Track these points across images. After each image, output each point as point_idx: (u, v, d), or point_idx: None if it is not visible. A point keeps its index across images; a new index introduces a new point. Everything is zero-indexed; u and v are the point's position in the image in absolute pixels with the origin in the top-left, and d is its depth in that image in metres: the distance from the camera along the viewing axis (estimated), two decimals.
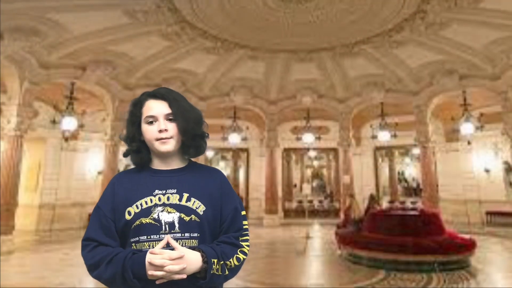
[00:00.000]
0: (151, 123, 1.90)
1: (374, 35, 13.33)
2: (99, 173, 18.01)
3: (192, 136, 1.93)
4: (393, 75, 16.55)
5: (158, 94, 1.95)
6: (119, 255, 1.69)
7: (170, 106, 1.91)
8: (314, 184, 32.10)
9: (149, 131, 1.89)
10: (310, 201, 24.98)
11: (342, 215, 16.52)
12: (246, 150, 23.67)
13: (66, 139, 15.49)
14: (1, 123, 12.97)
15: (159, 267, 1.59)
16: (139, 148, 1.95)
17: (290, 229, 17.74)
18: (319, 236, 15.50)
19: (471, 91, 16.17)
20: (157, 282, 1.63)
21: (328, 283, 8.54)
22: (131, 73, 15.47)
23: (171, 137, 1.88)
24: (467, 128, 16.65)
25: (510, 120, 14.68)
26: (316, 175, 33.27)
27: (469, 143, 17.15)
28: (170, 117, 1.90)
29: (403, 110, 18.69)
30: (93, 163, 19.08)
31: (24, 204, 16.20)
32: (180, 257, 1.62)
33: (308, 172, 33.15)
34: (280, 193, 22.02)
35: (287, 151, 25.01)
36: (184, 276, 1.62)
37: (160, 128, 1.87)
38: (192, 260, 1.66)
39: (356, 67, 16.05)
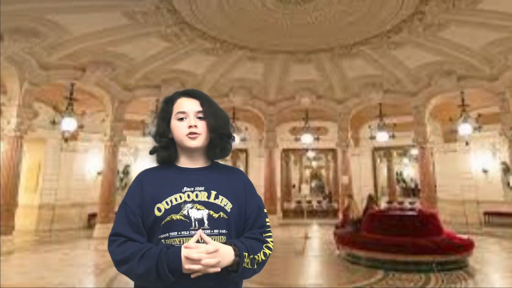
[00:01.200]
0: (181, 119, 1.96)
1: (373, 36, 13.37)
2: (99, 173, 18.03)
3: (220, 136, 1.98)
4: (392, 76, 16.59)
5: (191, 92, 2.03)
6: (152, 250, 1.71)
7: (202, 104, 1.98)
8: (313, 184, 32.21)
9: (179, 127, 1.95)
10: (309, 202, 25.04)
11: (340, 216, 16.52)
12: (245, 150, 23.68)
13: (66, 140, 15.52)
14: (1, 124, 12.99)
15: (196, 261, 1.63)
16: (168, 145, 2.00)
17: (289, 229, 17.80)
18: (317, 236, 15.57)
19: (469, 92, 16.22)
20: (192, 276, 1.66)
21: (327, 283, 8.58)
22: (131, 74, 15.50)
23: (200, 134, 1.94)
24: (465, 128, 16.71)
25: (508, 120, 14.72)
26: (315, 175, 33.37)
27: (467, 143, 17.21)
28: (200, 115, 1.96)
29: (401, 111, 18.75)
30: (92, 163, 19.11)
31: (24, 205, 16.31)
32: (216, 251, 1.66)
33: (307, 172, 33.27)
34: (279, 193, 22.09)
35: (286, 152, 25.06)
36: (219, 269, 1.66)
37: (191, 123, 1.93)
38: (226, 254, 1.70)
39: (355, 68, 16.08)
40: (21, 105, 12.87)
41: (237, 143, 19.85)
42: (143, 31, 12.43)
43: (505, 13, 11.02)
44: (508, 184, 16.65)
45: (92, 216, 17.56)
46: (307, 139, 20.56)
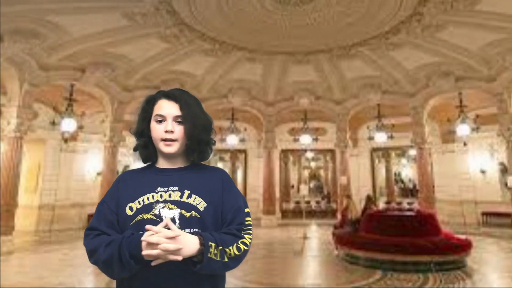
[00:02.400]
0: (159, 122, 1.94)
1: (371, 37, 13.42)
2: (98, 174, 18.07)
3: (198, 142, 1.96)
4: (390, 77, 16.65)
5: (171, 95, 2.00)
6: (117, 238, 1.72)
7: (181, 108, 1.95)
8: (312, 185, 32.26)
9: (156, 130, 1.93)
10: (308, 202, 25.02)
11: (339, 216, 16.53)
12: (244, 151, 23.75)
13: (66, 141, 15.54)
14: (1, 125, 13.02)
15: (155, 246, 1.60)
16: (147, 144, 2.00)
17: (287, 229, 17.80)
18: (316, 237, 15.58)
19: (467, 92, 16.28)
20: (152, 264, 1.64)
21: (325, 283, 8.59)
22: (130, 75, 15.55)
23: (176, 140, 1.92)
24: (463, 129, 16.75)
25: (505, 121, 14.79)
26: (314, 176, 33.45)
27: (465, 144, 17.29)
28: (179, 120, 1.94)
29: (400, 111, 18.80)
30: (92, 164, 19.14)
31: (23, 205, 16.32)
32: (176, 236, 1.63)
33: (306, 173, 33.34)
34: (277, 194, 22.06)
35: (284, 152, 25.11)
36: (180, 257, 1.62)
37: (167, 128, 1.91)
38: (189, 242, 1.66)
39: (353, 69, 16.14)
40: (21, 106, 12.92)
41: (236, 143, 19.99)
42: (143, 32, 12.47)
43: (503, 14, 11.08)
44: (506, 184, 16.65)
45: (92, 216, 17.40)
46: (305, 139, 20.59)
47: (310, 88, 18.30)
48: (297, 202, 24.94)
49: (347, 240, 10.56)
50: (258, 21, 12.23)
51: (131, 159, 20.36)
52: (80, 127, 15.76)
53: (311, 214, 23.55)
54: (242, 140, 21.09)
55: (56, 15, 10.95)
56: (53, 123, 15.04)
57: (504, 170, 17.83)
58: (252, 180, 23.15)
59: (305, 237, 14.42)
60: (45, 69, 13.29)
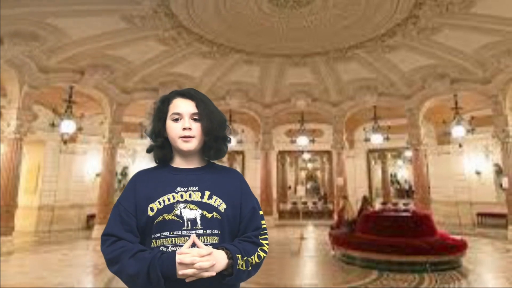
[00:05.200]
0: (176, 120, 1.93)
1: (367, 40, 13.51)
2: (97, 175, 18.08)
3: (215, 138, 1.96)
4: (386, 79, 16.76)
5: (187, 93, 2.00)
6: (145, 254, 1.70)
7: (197, 106, 1.95)
8: (308, 186, 32.32)
9: (173, 128, 1.93)
10: (304, 203, 25.05)
11: (335, 217, 16.69)
12: (241, 152, 23.76)
13: (65, 142, 15.55)
14: (1, 126, 13.09)
15: (190, 265, 1.61)
16: (163, 144, 1.99)
17: (284, 230, 17.93)
18: (313, 237, 15.68)
19: (463, 94, 16.37)
20: (187, 280, 1.64)
21: (322, 283, 8.67)
22: (129, 77, 15.62)
23: (194, 136, 1.91)
24: (458, 131, 16.86)
25: (500, 123, 14.90)
26: (310, 177, 33.47)
27: (460, 145, 17.37)
28: (196, 117, 1.93)
29: (396, 113, 18.88)
30: (91, 165, 19.18)
31: (23, 206, 16.42)
32: (209, 254, 1.65)
33: (303, 174, 33.34)
34: (275, 195, 22.19)
35: (281, 154, 25.17)
36: (214, 273, 1.65)
37: (185, 126, 1.91)
38: (219, 257, 1.68)
39: (349, 71, 16.24)
40: (21, 108, 12.98)
41: (233, 145, 20.01)
42: (141, 35, 12.54)
43: (498, 17, 11.15)
44: (501, 185, 16.76)
45: (91, 217, 17.62)
46: (302, 141, 20.67)
47: (306, 90, 18.40)
48: (294, 203, 24.94)
49: (344, 241, 10.63)
50: (255, 23, 12.32)
51: (130, 161, 20.44)
52: (79, 129, 15.79)
53: (308, 215, 23.58)
54: (239, 142, 21.17)
55: (55, 18, 11.01)
56: (53, 125, 15.04)
57: (499, 171, 17.95)
58: (250, 181, 22.28)
59: (302, 238, 14.51)
60: (45, 71, 13.35)
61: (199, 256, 1.62)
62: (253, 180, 20.17)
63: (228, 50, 14.33)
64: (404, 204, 22.38)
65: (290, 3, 11.13)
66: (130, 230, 1.82)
